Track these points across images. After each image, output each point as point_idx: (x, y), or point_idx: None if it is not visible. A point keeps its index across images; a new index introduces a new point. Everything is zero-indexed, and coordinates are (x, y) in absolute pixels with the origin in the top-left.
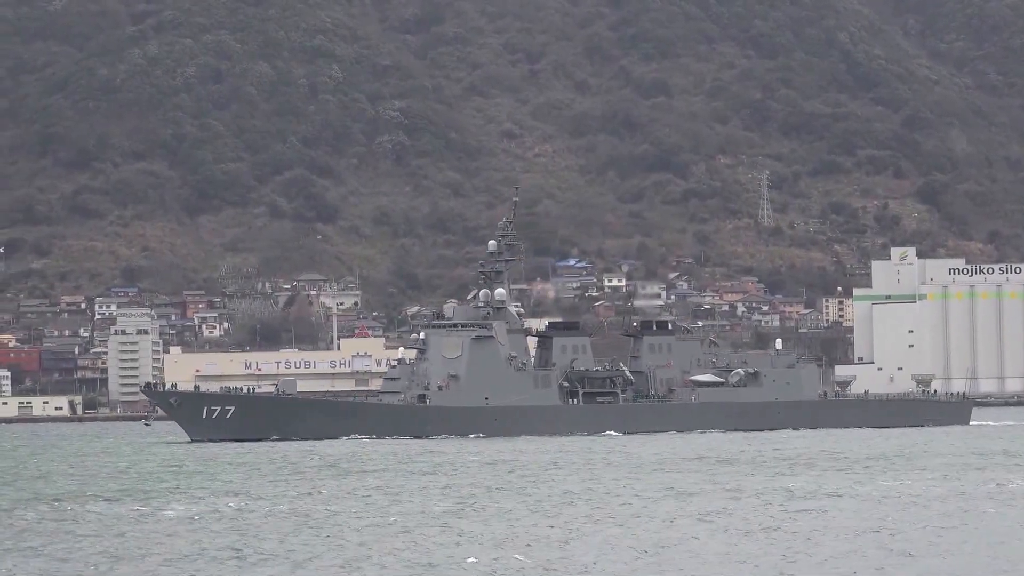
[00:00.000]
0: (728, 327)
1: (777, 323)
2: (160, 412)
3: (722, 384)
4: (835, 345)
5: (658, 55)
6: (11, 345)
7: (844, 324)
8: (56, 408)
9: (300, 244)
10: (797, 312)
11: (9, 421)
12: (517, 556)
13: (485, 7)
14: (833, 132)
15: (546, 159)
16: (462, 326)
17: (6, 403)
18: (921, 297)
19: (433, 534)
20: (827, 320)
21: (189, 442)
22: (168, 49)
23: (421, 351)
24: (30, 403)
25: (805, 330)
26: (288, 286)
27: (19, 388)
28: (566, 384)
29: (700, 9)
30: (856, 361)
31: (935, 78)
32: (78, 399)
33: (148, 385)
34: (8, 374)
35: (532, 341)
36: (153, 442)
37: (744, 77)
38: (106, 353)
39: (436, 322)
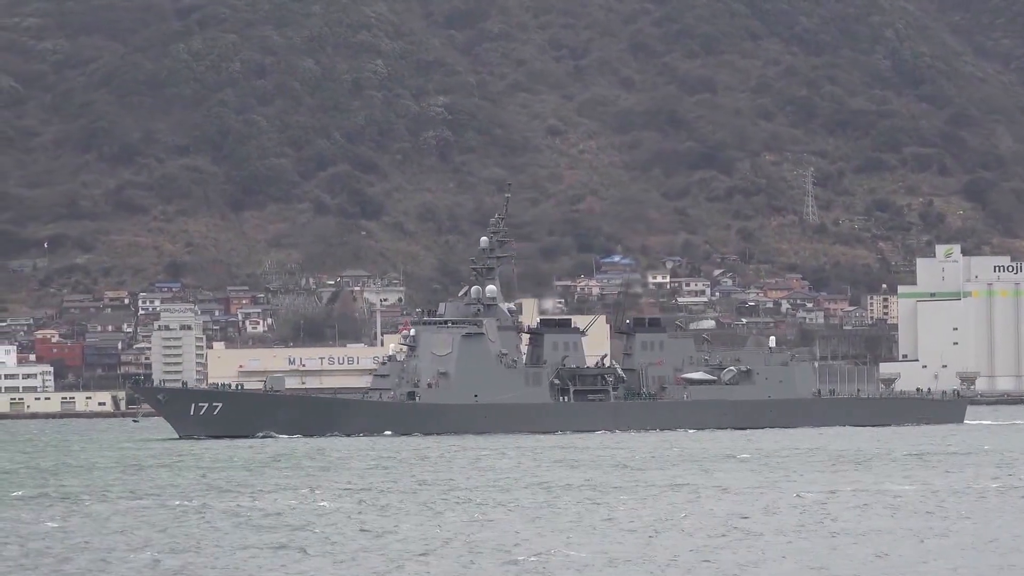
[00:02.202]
0: (772, 324)
1: (821, 320)
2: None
3: (714, 382)
4: (879, 342)
5: (703, 52)
6: (54, 340)
7: (889, 321)
8: (99, 403)
9: (344, 240)
10: (842, 309)
11: (52, 416)
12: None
13: (529, 3)
14: (878, 129)
15: (591, 155)
16: (452, 323)
17: (49, 398)
18: (966, 295)
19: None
20: (871, 317)
21: (177, 438)
22: (213, 44)
23: (411, 348)
24: (73, 398)
25: (850, 327)
26: (332, 282)
27: (62, 383)
28: (557, 382)
29: (745, 6)
30: (900, 358)
31: (981, 75)
32: (121, 394)
33: (136, 381)
34: (51, 369)
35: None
36: (145, 439)
37: (789, 74)
38: (149, 348)
39: (427, 319)
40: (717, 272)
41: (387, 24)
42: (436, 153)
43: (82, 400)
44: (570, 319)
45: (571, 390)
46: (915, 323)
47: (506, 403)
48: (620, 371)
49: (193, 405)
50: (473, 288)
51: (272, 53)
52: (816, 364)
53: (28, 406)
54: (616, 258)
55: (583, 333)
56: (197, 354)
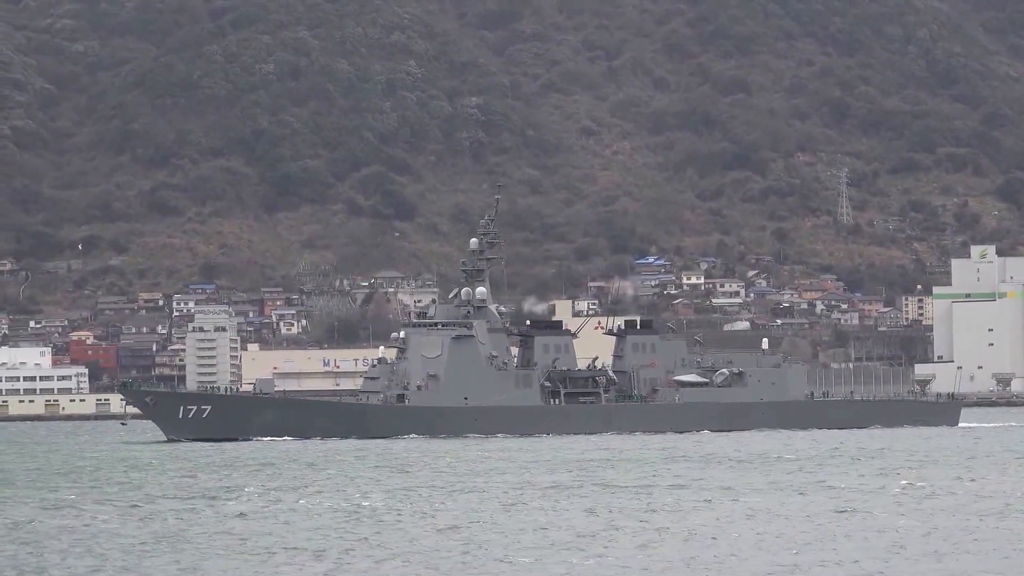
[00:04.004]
0: (807, 325)
1: (856, 321)
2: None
3: (706, 384)
4: (914, 343)
5: (737, 52)
6: (89, 342)
7: (923, 322)
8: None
9: (378, 241)
10: (876, 310)
11: (87, 418)
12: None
13: (563, 3)
14: (912, 129)
15: (624, 156)
16: (442, 325)
17: (84, 400)
18: (1001, 295)
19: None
20: (906, 318)
21: (165, 441)
22: (246, 45)
23: (401, 350)
24: (107, 400)
25: (884, 328)
26: (366, 283)
27: (96, 385)
28: (548, 384)
29: (779, 6)
30: (935, 360)
31: (1015, 75)
32: None
33: (124, 384)
34: (86, 371)
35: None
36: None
37: (823, 74)
38: (184, 350)
39: (416, 321)
40: (751, 273)
41: (420, 25)
42: (469, 154)
43: (116, 402)
44: (561, 321)
45: (562, 392)
46: (950, 324)
47: (496, 405)
48: (611, 373)
49: (182, 408)
50: (463, 290)
51: (305, 54)
52: (851, 365)
53: (63, 408)
54: (650, 259)
55: (574, 335)
56: (231, 356)
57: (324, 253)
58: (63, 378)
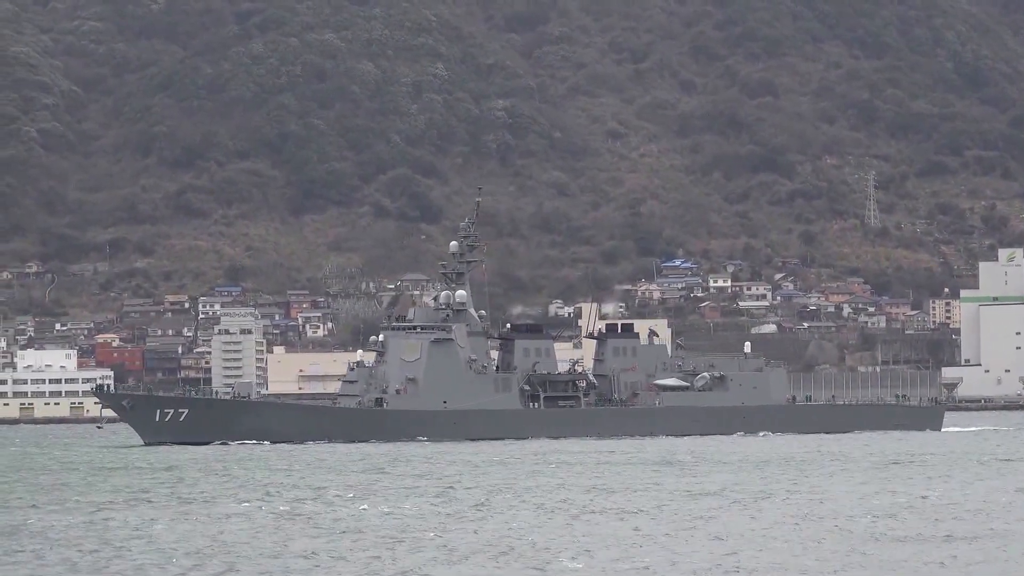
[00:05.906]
0: (834, 328)
1: (883, 324)
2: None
3: (687, 388)
4: (942, 347)
5: (764, 54)
6: (115, 345)
7: (951, 326)
8: None
9: (404, 244)
10: (904, 314)
11: (112, 421)
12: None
13: (590, 6)
14: (940, 132)
15: (651, 159)
16: (421, 328)
17: None
18: None
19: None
20: (934, 322)
21: (143, 445)
22: (272, 48)
23: (380, 353)
24: None
25: (912, 332)
26: (392, 286)
27: (122, 388)
28: (527, 388)
29: (807, 8)
30: (963, 363)
31: None
32: None
33: (99, 387)
34: (111, 374)
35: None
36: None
37: (851, 77)
38: (210, 353)
39: (396, 324)
40: (778, 276)
41: (447, 27)
42: (496, 157)
43: None
44: (541, 325)
45: (541, 396)
46: (978, 327)
47: (475, 409)
48: (591, 377)
49: (159, 411)
50: (443, 293)
51: (332, 56)
52: (878, 368)
53: (88, 411)
54: (677, 262)
55: (554, 338)
56: (257, 358)
57: (350, 255)
58: (88, 380)
